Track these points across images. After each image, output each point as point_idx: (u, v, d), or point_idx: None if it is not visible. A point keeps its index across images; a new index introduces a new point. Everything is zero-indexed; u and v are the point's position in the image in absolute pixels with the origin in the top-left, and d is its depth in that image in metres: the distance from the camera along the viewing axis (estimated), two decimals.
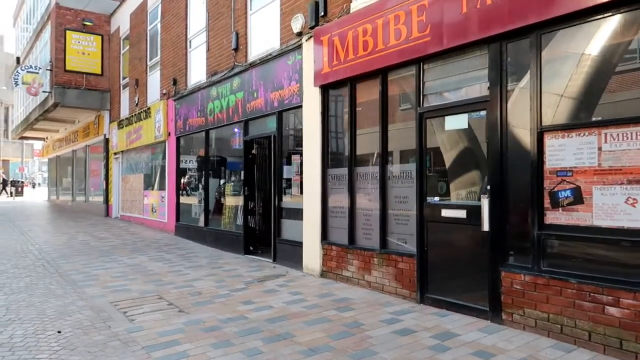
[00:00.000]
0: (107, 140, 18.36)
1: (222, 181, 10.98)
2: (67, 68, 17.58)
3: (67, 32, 17.60)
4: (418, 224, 5.66)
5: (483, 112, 5.04)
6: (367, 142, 6.64)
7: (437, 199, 5.53)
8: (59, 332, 4.74)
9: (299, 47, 7.69)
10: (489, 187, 4.90)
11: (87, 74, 17.96)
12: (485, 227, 4.90)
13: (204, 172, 11.34)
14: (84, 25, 18.05)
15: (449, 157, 5.52)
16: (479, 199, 5.01)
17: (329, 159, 7.24)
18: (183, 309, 5.55)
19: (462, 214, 5.20)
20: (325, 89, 7.22)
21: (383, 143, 6.22)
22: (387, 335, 4.59)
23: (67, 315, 5.30)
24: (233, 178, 10.56)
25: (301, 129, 8.01)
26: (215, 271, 7.78)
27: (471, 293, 5.14)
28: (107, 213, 18.36)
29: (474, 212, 5.05)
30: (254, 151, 9.56)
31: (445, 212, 5.38)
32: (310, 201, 7.42)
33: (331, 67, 6.86)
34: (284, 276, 7.33)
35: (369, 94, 6.61)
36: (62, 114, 20.01)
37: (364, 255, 6.46)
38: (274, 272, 7.65)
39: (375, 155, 6.41)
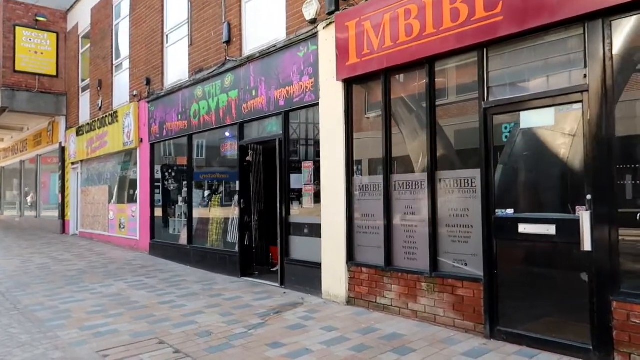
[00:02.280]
0: (63, 149, 16.52)
1: (206, 192, 9.68)
2: (17, 68, 15.70)
3: (17, 28, 15.74)
4: (485, 242, 4.67)
5: (577, 105, 4.12)
6: (408, 144, 5.63)
7: (510, 211, 4.56)
8: None
9: (314, 36, 6.61)
10: (589, 196, 3.97)
11: (40, 75, 16.12)
12: (587, 245, 3.96)
13: (186, 183, 9.99)
14: (37, 21, 16.24)
15: (524, 161, 4.57)
16: (574, 211, 4.08)
17: (354, 166, 6.17)
18: (197, 359, 4.30)
19: (549, 229, 4.25)
20: (349, 84, 6.16)
21: (431, 145, 5.21)
22: None
23: None
24: (221, 189, 9.30)
25: (312, 131, 6.93)
26: (215, 300, 6.51)
27: (562, 327, 4.19)
28: (64, 230, 16.46)
29: (567, 227, 4.11)
30: (249, 158, 8.36)
31: (524, 228, 4.42)
32: (331, 215, 6.31)
33: (360, 57, 5.82)
34: (302, 305, 6.16)
35: (408, 87, 5.62)
36: (10, 120, 17.96)
37: (406, 280, 5.41)
38: (287, 299, 6.47)
39: (420, 159, 5.40)
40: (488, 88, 4.76)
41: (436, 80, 5.26)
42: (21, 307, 6.28)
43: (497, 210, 4.64)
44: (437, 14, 4.98)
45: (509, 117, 4.62)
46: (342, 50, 6.06)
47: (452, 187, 5.06)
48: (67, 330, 5.22)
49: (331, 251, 6.29)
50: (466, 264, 4.92)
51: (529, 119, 4.48)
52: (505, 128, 4.86)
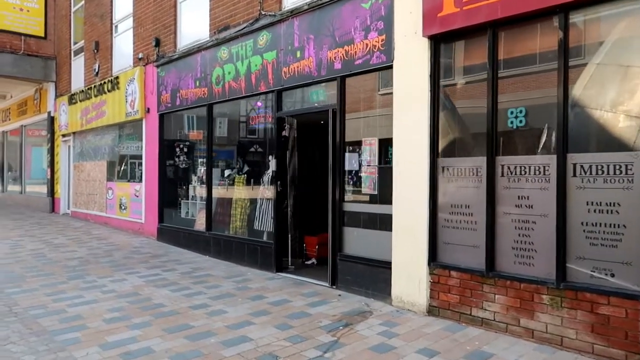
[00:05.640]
0: (52, 119, 14.96)
1: (227, 171, 8.41)
2: (0, 27, 14.00)
3: None
4: None
5: None
6: (520, 118, 4.45)
7: None
8: None
9: None
10: None
11: (26, 35, 14.44)
12: None
13: (203, 160, 8.69)
14: None
15: None
16: None
17: (440, 144, 4.98)
18: None
19: None
20: (437, 41, 4.93)
21: (563, 119, 4.04)
22: None
23: None
24: (246, 168, 8.04)
25: (375, 101, 5.73)
26: (259, 305, 5.32)
27: None
28: (53, 208, 15.02)
29: None
30: (285, 133, 7.11)
31: None
32: (406, 204, 5.14)
33: (460, 6, 4.58)
34: (371, 314, 5.02)
35: (527, 44, 4.40)
36: None
37: (518, 289, 4.28)
38: (347, 305, 5.32)
39: (544, 137, 4.22)
40: None
41: (570, 35, 4.06)
42: (19, 311, 5.02)
43: None
44: None
45: None
46: None
47: (594, 174, 3.90)
48: (85, 349, 4.00)
49: (406, 248, 5.13)
50: (613, 275, 3.80)
51: None
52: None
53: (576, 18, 4.04)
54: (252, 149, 7.98)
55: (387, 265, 5.35)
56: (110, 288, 5.99)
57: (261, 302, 5.45)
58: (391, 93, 5.36)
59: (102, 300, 5.46)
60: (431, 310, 4.94)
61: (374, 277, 5.53)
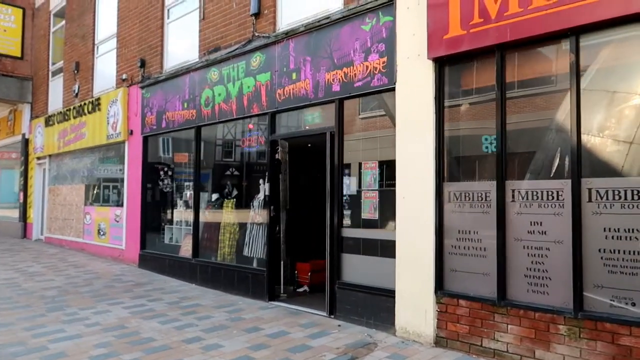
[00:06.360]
0: (26, 141, 14.42)
1: (214, 196, 8.13)
2: None
3: None
4: None
5: None
6: (531, 141, 4.36)
7: None
8: None
9: (388, 4, 5.27)
10: None
11: (2, 55, 14.01)
12: None
13: (190, 184, 8.39)
14: None
15: None
16: None
17: (445, 167, 4.85)
18: None
19: None
20: (441, 63, 4.85)
21: (577, 142, 3.96)
22: None
23: None
24: (235, 192, 7.78)
25: (374, 123, 5.61)
26: (257, 337, 5.01)
27: None
28: (25, 234, 14.34)
29: None
30: (277, 156, 6.91)
31: None
32: (411, 230, 4.96)
33: (467, 28, 4.52)
34: (376, 345, 4.77)
35: (534, 66, 4.35)
36: None
37: (532, 319, 4.12)
38: (349, 337, 5.05)
39: (557, 160, 4.13)
40: None
41: (581, 58, 4.02)
42: None
43: None
44: None
45: None
46: (436, 20, 4.74)
47: (611, 200, 3.81)
48: None
49: (411, 276, 4.94)
50: (634, 304, 3.68)
51: None
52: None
53: (588, 41, 4.00)
54: (242, 173, 7.74)
55: (390, 294, 5.13)
56: (94, 321, 5.59)
57: (258, 334, 5.14)
58: (384, 115, 5.26)
59: (87, 334, 5.07)
60: (439, 341, 4.72)
61: (375, 306, 5.30)
